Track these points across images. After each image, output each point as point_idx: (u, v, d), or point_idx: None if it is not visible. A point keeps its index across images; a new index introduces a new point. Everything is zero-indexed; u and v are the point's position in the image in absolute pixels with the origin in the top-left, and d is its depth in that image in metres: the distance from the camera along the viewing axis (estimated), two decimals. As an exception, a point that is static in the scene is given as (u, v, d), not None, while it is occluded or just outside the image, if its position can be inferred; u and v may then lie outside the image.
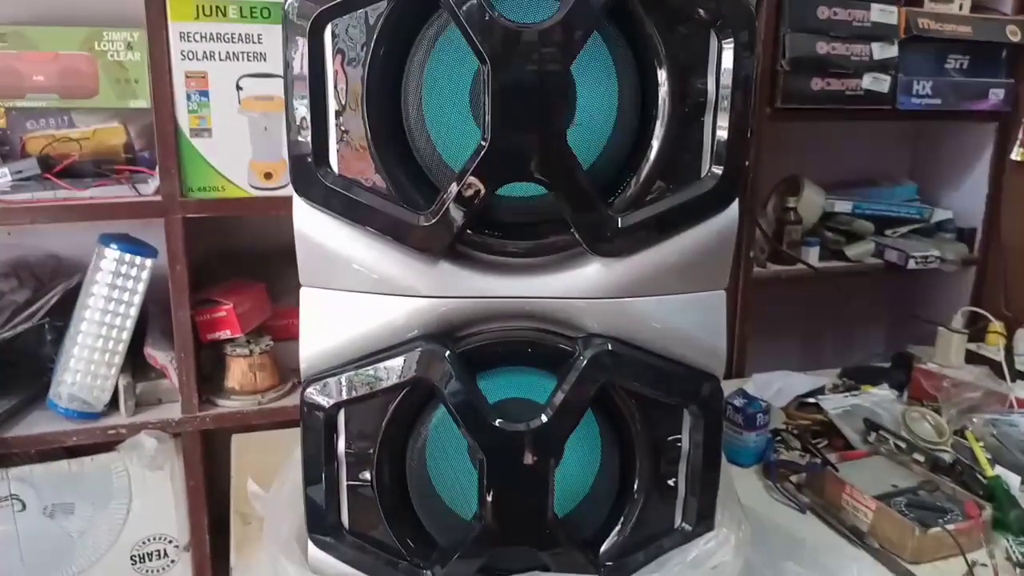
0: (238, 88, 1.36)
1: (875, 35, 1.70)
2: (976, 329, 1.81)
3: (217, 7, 1.32)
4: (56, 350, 1.47)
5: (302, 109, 0.84)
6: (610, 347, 0.85)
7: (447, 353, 0.84)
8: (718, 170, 0.86)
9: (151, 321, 1.51)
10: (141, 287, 1.41)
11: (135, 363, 1.48)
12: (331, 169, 0.85)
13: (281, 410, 1.49)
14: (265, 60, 1.36)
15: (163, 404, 1.48)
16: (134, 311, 1.41)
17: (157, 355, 1.45)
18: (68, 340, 1.39)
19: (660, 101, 0.85)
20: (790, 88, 1.66)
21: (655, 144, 0.86)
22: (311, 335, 0.90)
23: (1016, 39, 1.79)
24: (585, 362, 0.84)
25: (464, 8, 0.77)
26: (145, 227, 1.42)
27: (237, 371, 1.49)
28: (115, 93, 1.41)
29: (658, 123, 0.86)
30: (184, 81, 1.33)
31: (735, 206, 0.89)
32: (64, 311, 1.46)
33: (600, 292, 0.88)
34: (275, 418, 1.49)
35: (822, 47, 1.67)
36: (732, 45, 0.83)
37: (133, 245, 1.39)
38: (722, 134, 0.86)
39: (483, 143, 0.81)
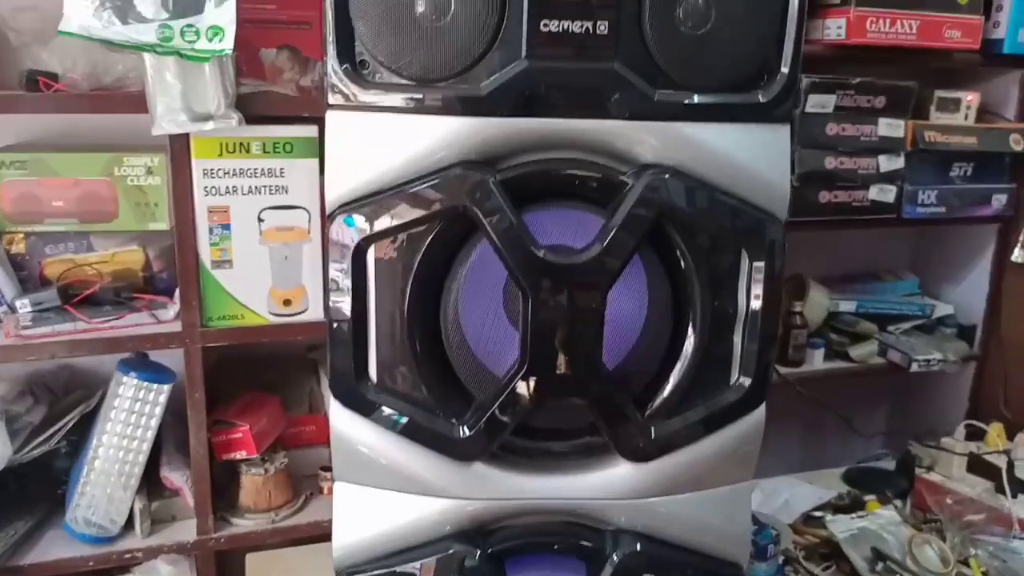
0: (259, 220, 1.37)
1: (882, 148, 1.73)
2: (977, 429, 1.86)
3: (240, 144, 1.33)
4: (71, 464, 1.47)
5: (344, 324, 0.85)
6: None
7: (492, 180, 0.79)
8: (747, 380, 0.88)
9: (165, 436, 1.51)
10: (158, 411, 1.41)
11: (149, 480, 1.48)
12: (371, 380, 0.86)
13: (294, 528, 1.50)
14: (287, 193, 1.37)
15: (177, 521, 1.49)
16: (151, 435, 1.42)
17: (173, 476, 1.46)
18: (85, 465, 1.40)
19: (691, 314, 0.87)
20: (799, 201, 1.68)
21: (686, 353, 0.88)
22: (344, 529, 0.92)
23: (1019, 148, 1.82)
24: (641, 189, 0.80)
25: (506, 241, 0.78)
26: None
27: (251, 488, 1.50)
28: (134, 217, 1.42)
29: (690, 334, 0.87)
30: (207, 216, 1.34)
31: (762, 410, 0.91)
32: (80, 426, 1.47)
33: (630, 493, 0.90)
34: (289, 536, 1.50)
35: (830, 162, 1.69)
36: (763, 267, 0.85)
37: (151, 372, 1.40)
38: (751, 346, 0.87)
39: (521, 363, 0.83)
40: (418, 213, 0.80)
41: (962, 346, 1.99)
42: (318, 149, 1.38)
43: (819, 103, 1.66)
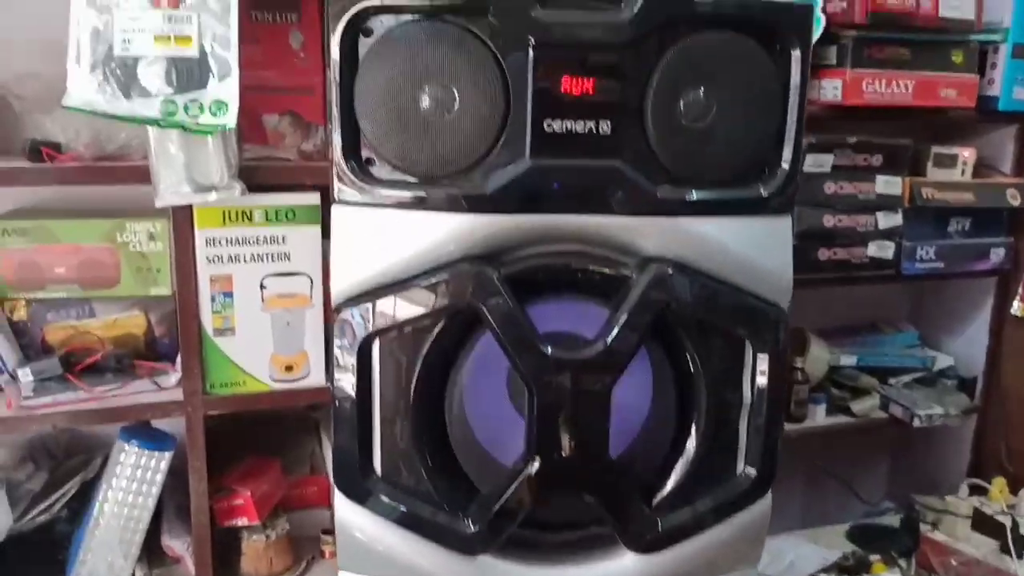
0: (262, 287, 1.37)
1: (880, 205, 1.74)
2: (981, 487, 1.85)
3: (243, 212, 1.34)
4: (72, 530, 1.46)
5: (346, 402, 0.85)
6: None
7: (496, 276, 0.79)
8: (752, 471, 0.88)
9: (165, 501, 1.50)
10: (159, 478, 1.40)
11: (150, 548, 1.47)
12: (375, 474, 0.86)
13: (296, 594, 1.49)
14: (289, 260, 1.38)
15: (178, 588, 1.47)
16: (152, 502, 1.41)
17: (174, 544, 1.45)
18: (86, 533, 1.39)
19: (696, 404, 0.87)
20: (799, 258, 1.68)
21: (691, 443, 0.88)
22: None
23: (1016, 203, 1.83)
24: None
25: (511, 337, 0.79)
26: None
27: (253, 555, 1.49)
28: (136, 282, 1.42)
29: (694, 424, 0.87)
30: (209, 284, 1.34)
31: (768, 496, 0.90)
32: (81, 492, 1.46)
33: (636, 583, 0.89)
34: (290, 602, 1.48)
35: (829, 220, 1.70)
36: (767, 358, 0.85)
37: (152, 440, 1.39)
38: (756, 436, 0.87)
39: (527, 457, 0.83)
40: (423, 309, 0.80)
41: (963, 399, 1.98)
42: (320, 215, 1.39)
43: (817, 162, 1.67)
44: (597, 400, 0.81)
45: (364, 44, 0.80)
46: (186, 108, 1.21)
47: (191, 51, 1.20)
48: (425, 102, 0.79)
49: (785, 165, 0.83)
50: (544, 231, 0.82)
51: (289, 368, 1.43)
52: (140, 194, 1.31)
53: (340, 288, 0.83)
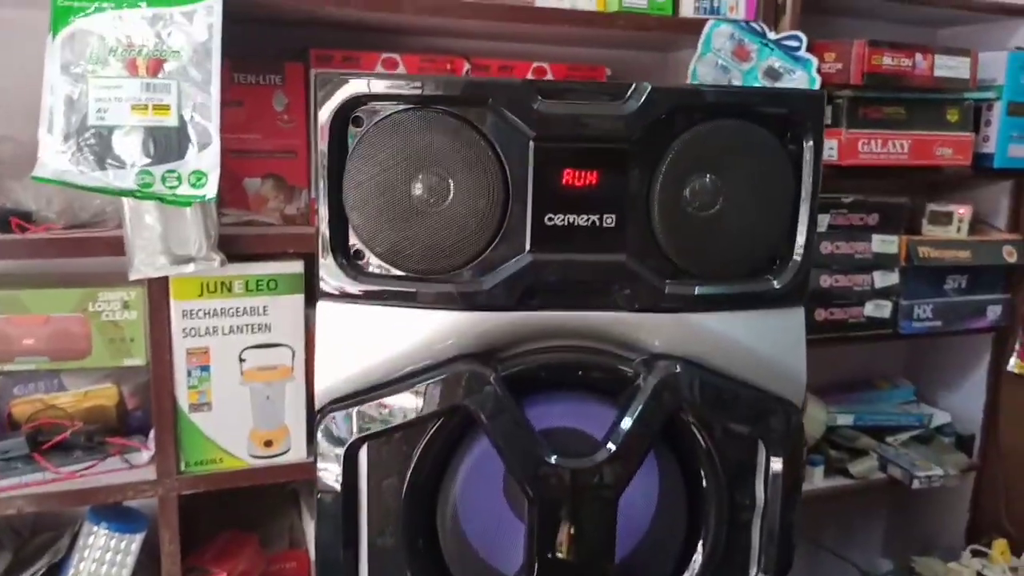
0: (241, 360, 1.31)
1: (876, 265, 1.71)
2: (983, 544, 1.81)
3: (222, 283, 1.28)
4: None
5: (332, 516, 0.79)
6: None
7: (493, 376, 0.74)
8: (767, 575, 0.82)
9: (138, 581, 1.42)
10: (130, 560, 1.33)
11: (120, 633, 1.39)
12: (361, 583, 0.80)
13: None
14: (270, 331, 1.32)
15: (149, 675, 1.39)
16: (122, 586, 1.33)
17: (145, 630, 1.37)
18: (51, 622, 1.31)
19: (706, 507, 0.82)
20: (795, 320, 1.64)
21: (701, 548, 0.82)
22: None
23: (1012, 260, 1.81)
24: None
25: (509, 444, 0.73)
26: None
27: (229, 639, 1.40)
28: (108, 353, 1.35)
29: (703, 529, 0.82)
30: (185, 358, 1.28)
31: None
32: (48, 573, 1.38)
33: None
34: None
35: (825, 280, 1.67)
36: (781, 459, 0.80)
37: (123, 522, 1.32)
38: (769, 541, 0.82)
39: (528, 569, 0.78)
40: (415, 413, 0.75)
41: (961, 458, 1.94)
42: (304, 284, 1.33)
43: (813, 223, 1.64)
44: (603, 509, 0.75)
45: (354, 133, 0.75)
46: (163, 179, 1.16)
47: (170, 120, 1.15)
48: (419, 195, 0.74)
49: (797, 257, 0.79)
50: (544, 328, 0.77)
51: (269, 443, 1.36)
52: (114, 261, 1.25)
53: (324, 387, 0.78)
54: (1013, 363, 1.90)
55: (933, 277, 1.81)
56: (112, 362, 1.37)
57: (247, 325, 1.32)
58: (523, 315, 0.76)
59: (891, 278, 1.74)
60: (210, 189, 1.16)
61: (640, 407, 0.75)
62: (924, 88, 1.62)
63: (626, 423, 0.75)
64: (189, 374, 1.30)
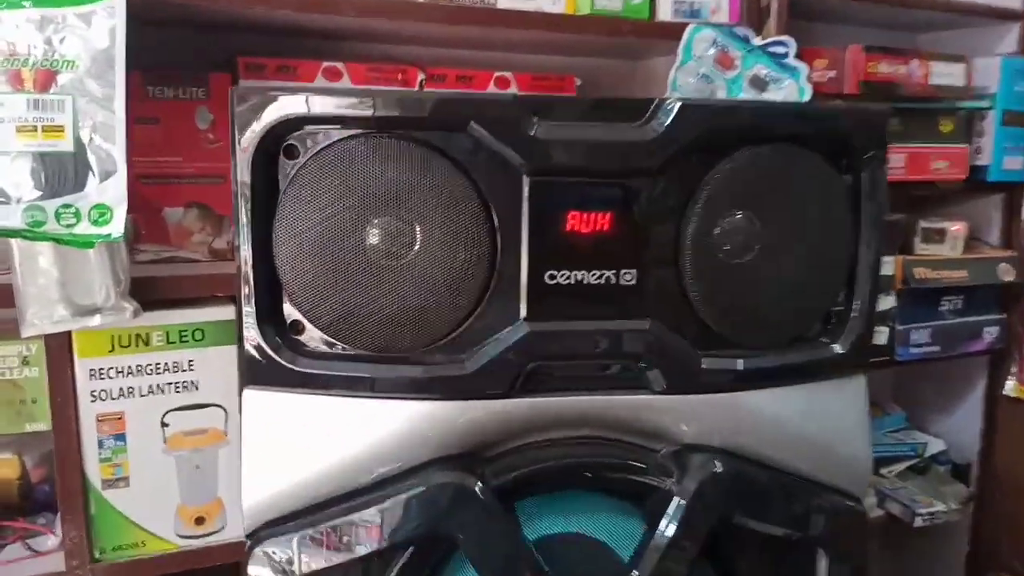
0: (163, 425, 1.10)
1: (873, 288, 1.57)
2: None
3: (137, 336, 1.07)
4: None
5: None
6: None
7: (479, 487, 0.57)
8: None
9: None
10: (33, 668, 1.11)
11: None
12: None
13: None
14: (197, 389, 1.11)
15: None
16: None
17: None
18: None
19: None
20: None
21: None
22: None
23: (1009, 278, 1.69)
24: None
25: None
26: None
27: None
28: (7, 418, 1.13)
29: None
30: (95, 426, 1.07)
31: None
32: None
33: None
34: None
35: (820, 306, 1.52)
36: (843, 567, 0.63)
37: (24, 624, 1.10)
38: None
39: None
40: (377, 543, 0.56)
41: (960, 488, 1.82)
42: (236, 334, 1.13)
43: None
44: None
45: (287, 166, 0.56)
46: (58, 216, 0.95)
47: (64, 144, 0.94)
48: (376, 247, 0.56)
49: (858, 311, 0.63)
50: (546, 417, 0.59)
51: (200, 520, 1.15)
52: (8, 312, 1.04)
53: (254, 504, 0.59)
54: (1010, 386, 1.79)
55: (929, 299, 1.69)
56: (11, 429, 1.15)
57: (169, 384, 1.11)
58: (518, 403, 0.58)
59: (888, 302, 1.60)
60: (116, 226, 0.95)
61: (675, 522, 0.58)
62: (919, 97, 1.50)
63: (657, 544, 0.57)
64: (101, 444, 1.09)
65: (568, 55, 1.49)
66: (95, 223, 0.95)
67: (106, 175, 0.94)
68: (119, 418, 1.09)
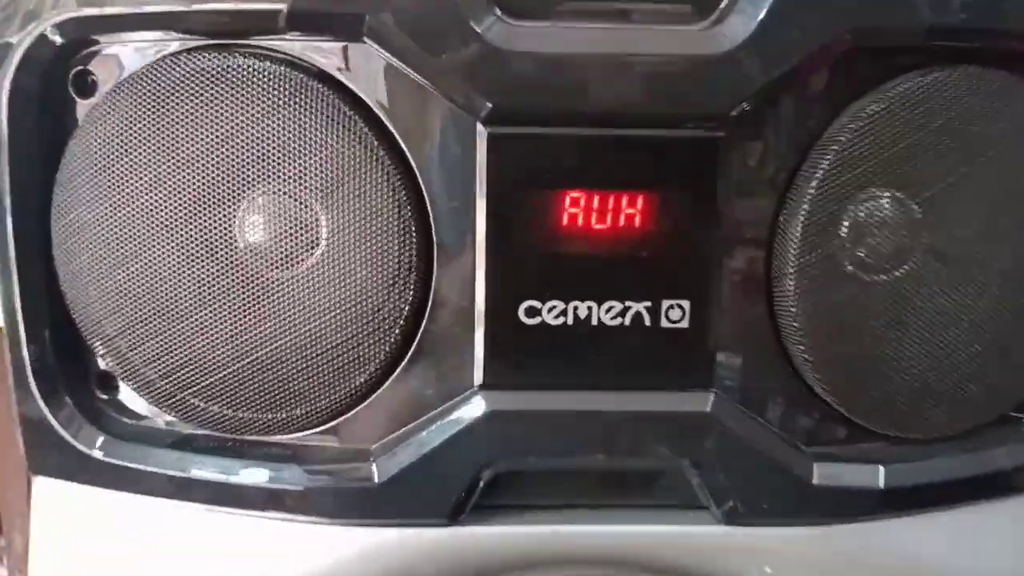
0: None
1: None
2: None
3: None
4: None
5: None
6: None
7: None
8: None
9: None
10: None
11: None
12: None
13: None
14: None
15: None
16: None
17: None
18: None
19: None
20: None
21: None
22: None
23: None
24: None
25: None
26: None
27: None
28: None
29: None
30: None
31: None
32: None
33: None
34: None
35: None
36: None
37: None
38: None
39: None
40: None
41: None
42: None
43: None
44: None
45: (75, 112, 0.32)
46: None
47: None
48: (235, 248, 0.31)
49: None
50: (517, 560, 0.34)
51: None
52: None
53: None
54: None
55: None
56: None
57: None
58: (469, 535, 0.32)
59: None
60: None
61: None
62: None
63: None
64: None
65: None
66: None
67: None
68: None
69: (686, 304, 0.31)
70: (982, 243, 0.34)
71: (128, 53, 0.33)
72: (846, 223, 0.33)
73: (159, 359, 0.34)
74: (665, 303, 0.31)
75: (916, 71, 0.32)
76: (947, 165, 0.33)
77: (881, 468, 0.33)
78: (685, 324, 0.32)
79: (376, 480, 0.32)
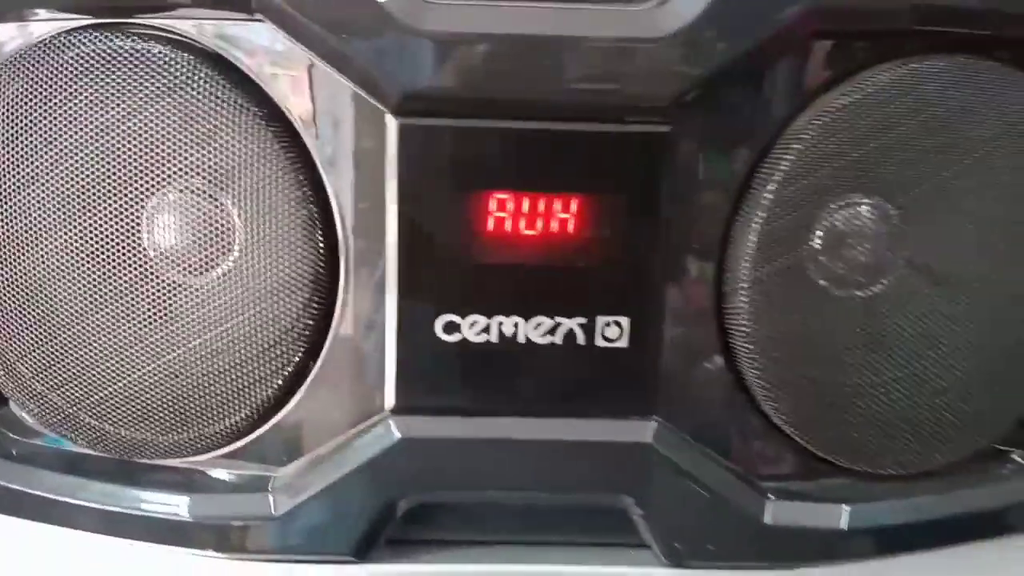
0: None
1: None
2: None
3: None
4: None
5: None
6: None
7: None
8: None
9: None
10: None
11: None
12: None
13: None
14: None
15: None
16: None
17: None
18: None
19: None
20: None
21: None
22: None
23: None
24: None
25: None
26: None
27: None
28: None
29: None
30: None
31: None
32: None
33: None
34: None
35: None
36: None
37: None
38: None
39: None
40: None
41: None
42: None
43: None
44: None
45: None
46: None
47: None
48: (166, 248, 0.28)
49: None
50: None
51: None
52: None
53: None
54: None
55: None
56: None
57: None
58: (387, 572, 0.29)
59: None
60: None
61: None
62: None
63: None
64: None
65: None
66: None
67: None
68: None
69: (625, 321, 0.28)
70: (968, 255, 0.30)
71: (8, 32, 0.29)
72: (810, 232, 0.29)
73: (48, 369, 0.31)
74: (601, 320, 0.28)
75: (894, 60, 0.28)
76: (929, 167, 0.29)
77: (845, 507, 0.30)
78: (624, 343, 0.28)
79: (273, 512, 0.29)
